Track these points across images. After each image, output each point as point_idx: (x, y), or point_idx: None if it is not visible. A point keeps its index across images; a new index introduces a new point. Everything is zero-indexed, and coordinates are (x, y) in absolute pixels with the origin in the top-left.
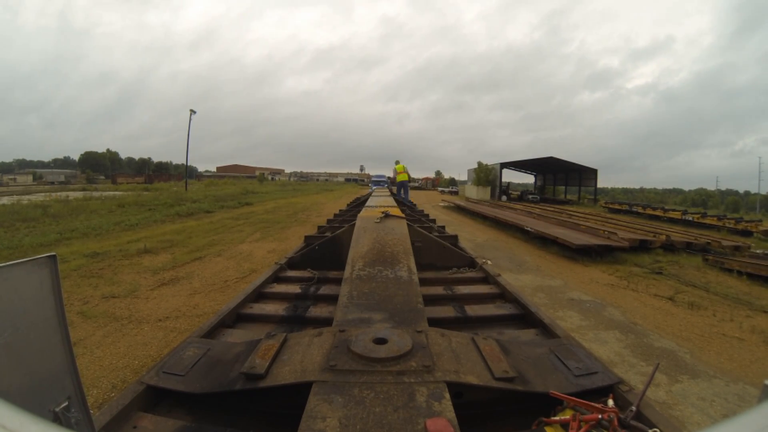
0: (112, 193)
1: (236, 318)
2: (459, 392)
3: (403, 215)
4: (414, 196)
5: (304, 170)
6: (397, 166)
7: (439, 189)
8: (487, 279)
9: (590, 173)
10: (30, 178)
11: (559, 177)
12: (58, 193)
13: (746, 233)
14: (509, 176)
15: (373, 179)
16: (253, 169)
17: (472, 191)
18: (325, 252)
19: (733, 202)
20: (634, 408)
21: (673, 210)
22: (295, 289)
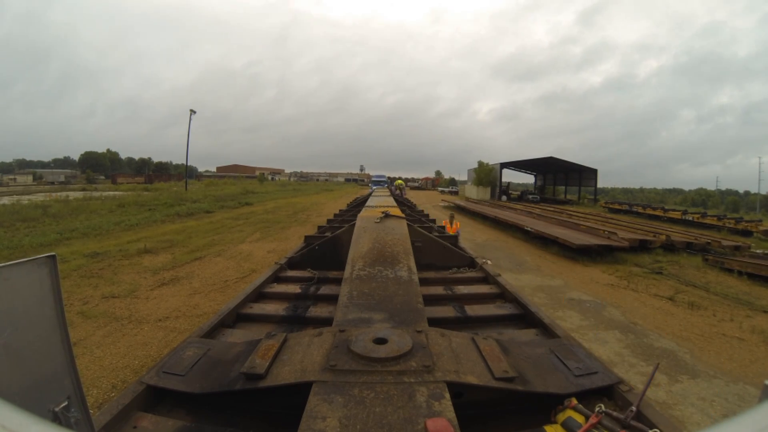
0: (112, 193)
1: (236, 318)
2: (459, 392)
3: (403, 215)
4: (413, 196)
5: (304, 170)
6: (396, 182)
7: (439, 189)
8: (487, 279)
9: (590, 173)
10: (30, 178)
11: (559, 177)
12: (58, 193)
13: (746, 233)
14: (509, 176)
15: (373, 179)
16: (253, 169)
17: (472, 191)
18: (325, 252)
19: (733, 202)
20: (634, 408)
21: (673, 210)
22: (295, 289)
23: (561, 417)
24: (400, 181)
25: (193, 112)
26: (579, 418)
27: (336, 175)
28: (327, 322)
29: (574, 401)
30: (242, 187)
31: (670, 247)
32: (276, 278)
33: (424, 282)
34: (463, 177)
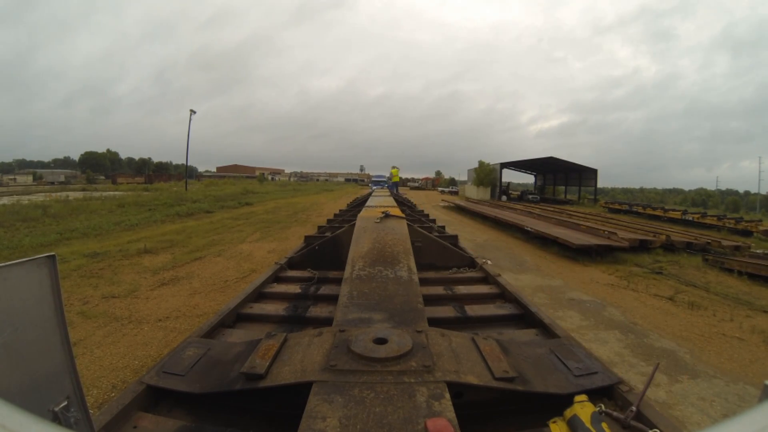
0: (112, 193)
1: (236, 318)
2: (459, 392)
3: (403, 215)
4: (413, 196)
5: (304, 170)
6: (393, 170)
7: (439, 189)
8: (487, 279)
9: (590, 173)
10: (30, 178)
11: (559, 177)
12: (58, 193)
13: (746, 233)
14: (509, 176)
15: (373, 179)
16: (253, 169)
17: (472, 191)
18: (325, 252)
19: (733, 202)
20: (634, 408)
21: (673, 210)
22: (295, 289)
23: (568, 414)
24: (396, 172)
25: (193, 112)
26: (585, 417)
27: (336, 175)
28: (327, 322)
29: (584, 397)
30: (242, 187)
31: (670, 247)
32: (276, 278)
33: (424, 282)
34: (464, 177)
